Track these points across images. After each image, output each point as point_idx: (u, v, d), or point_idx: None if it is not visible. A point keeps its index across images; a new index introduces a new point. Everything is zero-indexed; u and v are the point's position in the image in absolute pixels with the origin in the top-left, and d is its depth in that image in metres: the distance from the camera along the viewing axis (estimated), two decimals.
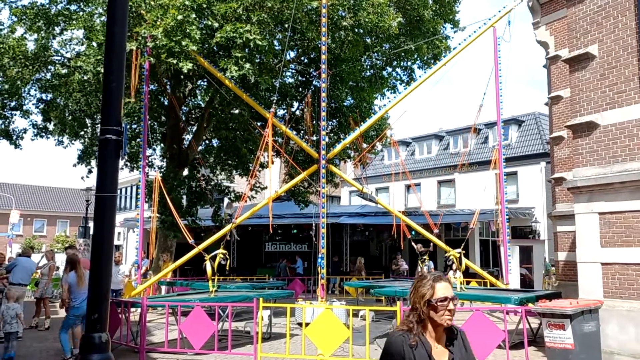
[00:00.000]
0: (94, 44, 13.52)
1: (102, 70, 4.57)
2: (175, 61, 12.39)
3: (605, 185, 8.54)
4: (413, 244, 14.63)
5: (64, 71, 16.17)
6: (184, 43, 12.16)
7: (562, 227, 14.41)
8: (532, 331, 10.97)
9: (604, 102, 8.81)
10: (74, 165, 19.43)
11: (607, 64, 8.84)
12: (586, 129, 9.00)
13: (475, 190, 28.47)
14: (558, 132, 14.87)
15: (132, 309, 10.63)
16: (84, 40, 14.73)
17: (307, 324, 9.28)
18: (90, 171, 19.42)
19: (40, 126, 18.92)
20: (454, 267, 13.83)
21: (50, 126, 18.94)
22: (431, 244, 15.49)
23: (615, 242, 8.36)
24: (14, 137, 18.43)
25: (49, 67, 16.88)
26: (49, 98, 18.17)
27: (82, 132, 18.99)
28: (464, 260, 12.75)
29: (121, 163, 18.12)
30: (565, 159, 14.58)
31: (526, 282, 22.68)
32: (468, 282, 15.63)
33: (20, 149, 18.81)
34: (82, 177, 19.93)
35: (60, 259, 20.26)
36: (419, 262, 14.46)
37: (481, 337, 8.26)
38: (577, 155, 9.15)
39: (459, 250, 12.62)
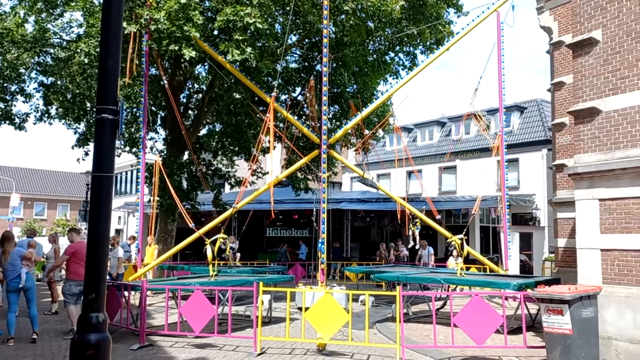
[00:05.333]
0: (95, 26, 13.35)
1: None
2: (177, 47, 12.25)
3: (606, 171, 8.50)
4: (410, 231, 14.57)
5: (63, 55, 16.03)
6: (185, 28, 12.03)
7: (562, 213, 14.39)
8: (530, 316, 11.02)
9: (607, 88, 8.73)
10: (72, 148, 19.34)
11: (611, 50, 8.75)
12: (588, 115, 8.94)
13: (476, 176, 28.45)
14: (560, 118, 14.80)
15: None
16: (84, 22, 14.59)
17: (307, 308, 9.30)
18: (86, 153, 19.27)
19: (42, 110, 18.83)
20: (455, 253, 13.82)
21: (52, 110, 18.84)
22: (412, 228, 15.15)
23: (615, 228, 8.34)
24: (18, 121, 18.31)
25: (49, 50, 16.75)
26: (49, 82, 18.07)
27: (85, 116, 18.86)
28: (466, 247, 12.76)
29: (119, 149, 17.83)
30: (567, 146, 14.52)
31: (526, 269, 22.76)
32: (468, 269, 15.64)
33: (25, 131, 18.74)
34: (77, 160, 19.72)
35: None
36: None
37: (480, 321, 8.30)
38: (579, 141, 9.09)
39: (461, 236, 12.62)
